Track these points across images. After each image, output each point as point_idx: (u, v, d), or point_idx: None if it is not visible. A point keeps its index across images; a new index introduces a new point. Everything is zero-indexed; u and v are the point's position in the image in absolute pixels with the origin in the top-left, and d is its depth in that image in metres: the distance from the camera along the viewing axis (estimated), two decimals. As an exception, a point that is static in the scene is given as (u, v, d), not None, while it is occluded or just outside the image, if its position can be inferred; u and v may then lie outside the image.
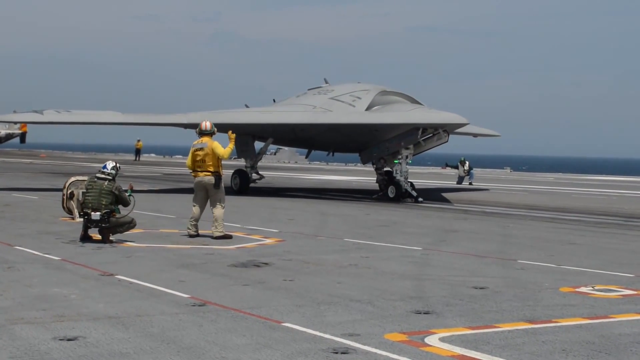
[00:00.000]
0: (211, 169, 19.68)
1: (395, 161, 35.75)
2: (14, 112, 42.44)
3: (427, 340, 9.54)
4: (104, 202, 18.07)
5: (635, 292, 13.28)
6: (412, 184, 36.00)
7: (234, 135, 20.58)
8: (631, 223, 27.22)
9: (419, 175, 56.93)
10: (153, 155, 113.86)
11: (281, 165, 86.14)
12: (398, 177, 35.56)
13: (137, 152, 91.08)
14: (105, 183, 18.33)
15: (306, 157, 54.07)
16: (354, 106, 37.57)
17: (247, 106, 42.62)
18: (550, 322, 10.75)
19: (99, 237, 18.21)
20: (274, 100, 43.70)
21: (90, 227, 18.24)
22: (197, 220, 19.72)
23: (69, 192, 23.18)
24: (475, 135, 51.37)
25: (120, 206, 18.56)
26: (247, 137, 39.76)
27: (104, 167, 18.65)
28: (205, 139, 19.92)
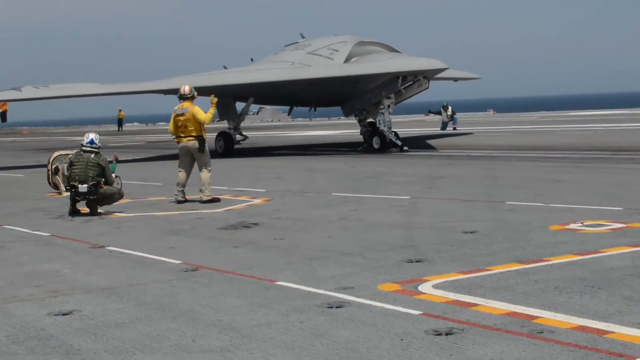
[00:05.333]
0: (194, 134, 19.62)
1: (379, 111, 35.69)
2: (-8, 90, 42.13)
3: (421, 288, 9.56)
4: (90, 175, 18.01)
5: (624, 225, 13.33)
6: (396, 134, 36.05)
7: (216, 99, 20.49)
8: (618, 156, 27.31)
9: (403, 124, 56.93)
10: (136, 124, 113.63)
11: (264, 124, 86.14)
12: (382, 127, 35.59)
13: (120, 122, 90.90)
14: (92, 155, 18.26)
15: (288, 114, 54.05)
16: (332, 59, 37.52)
17: (225, 67, 42.49)
18: (542, 261, 10.79)
19: (87, 210, 18.19)
20: (252, 60, 43.59)
21: (78, 201, 18.19)
22: (183, 185, 19.69)
23: (53, 167, 23.12)
24: (455, 79, 51.40)
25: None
26: (228, 98, 39.65)
27: (91, 141, 18.46)
28: (186, 104, 19.84)
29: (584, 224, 13.63)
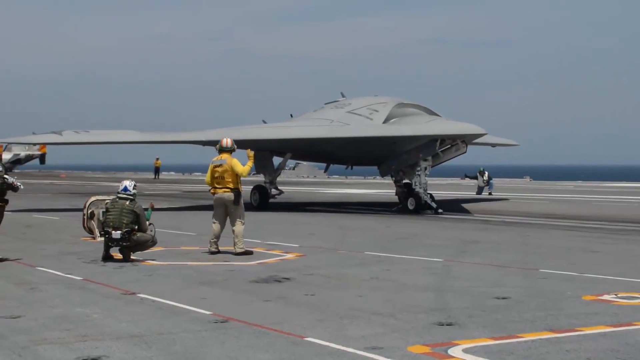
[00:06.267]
0: (230, 186, 19.69)
1: (415, 173, 35.69)
2: (33, 133, 42.55)
3: (451, 351, 9.51)
4: (125, 221, 18.13)
5: (658, 299, 13.21)
6: (431, 196, 35.97)
7: (253, 153, 20.55)
8: (653, 229, 27.07)
9: (439, 187, 56.85)
10: (172, 173, 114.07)
11: (300, 180, 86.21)
12: (417, 188, 35.54)
13: (157, 170, 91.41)
14: (127, 202, 18.41)
15: (325, 171, 54.05)
16: (371, 119, 37.57)
17: (264, 122, 42.73)
18: (574, 330, 10.71)
19: (120, 256, 18.26)
20: (291, 116, 43.78)
21: (111, 247, 18.28)
22: (217, 237, 19.73)
23: (89, 211, 23.21)
24: (493, 145, 51.25)
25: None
26: (266, 152, 39.80)
27: (124, 188, 18.67)
28: (225, 156, 19.94)
29: (618, 295, 13.51)
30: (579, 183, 77.50)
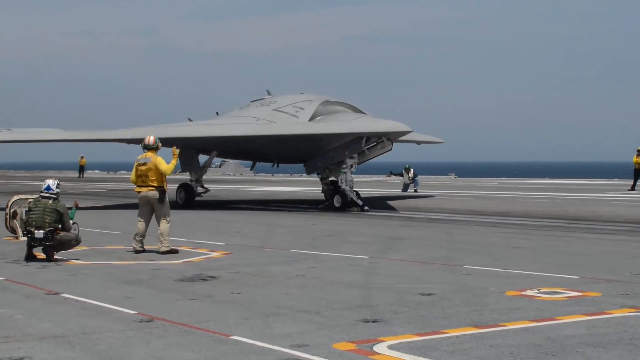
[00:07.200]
0: (155, 184, 19.56)
1: (341, 170, 35.79)
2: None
3: (376, 348, 9.56)
4: (47, 220, 17.91)
5: (580, 294, 13.42)
6: (357, 193, 36.08)
7: (178, 151, 20.48)
8: (575, 225, 27.46)
9: (365, 184, 57.08)
10: (97, 171, 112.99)
11: (226, 178, 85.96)
12: (343, 186, 35.62)
13: (81, 168, 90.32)
14: (50, 201, 18.19)
15: (251, 169, 53.97)
16: (297, 117, 37.59)
17: (190, 120, 42.50)
18: (497, 326, 10.83)
19: (43, 256, 18.04)
20: (217, 113, 43.62)
21: (34, 246, 18.06)
22: (142, 235, 19.60)
23: (11, 211, 22.90)
24: (418, 142, 51.67)
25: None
26: (191, 150, 39.65)
27: (47, 187, 18.46)
28: (149, 154, 19.81)
29: (540, 290, 13.70)
30: (504, 179, 78.36)
